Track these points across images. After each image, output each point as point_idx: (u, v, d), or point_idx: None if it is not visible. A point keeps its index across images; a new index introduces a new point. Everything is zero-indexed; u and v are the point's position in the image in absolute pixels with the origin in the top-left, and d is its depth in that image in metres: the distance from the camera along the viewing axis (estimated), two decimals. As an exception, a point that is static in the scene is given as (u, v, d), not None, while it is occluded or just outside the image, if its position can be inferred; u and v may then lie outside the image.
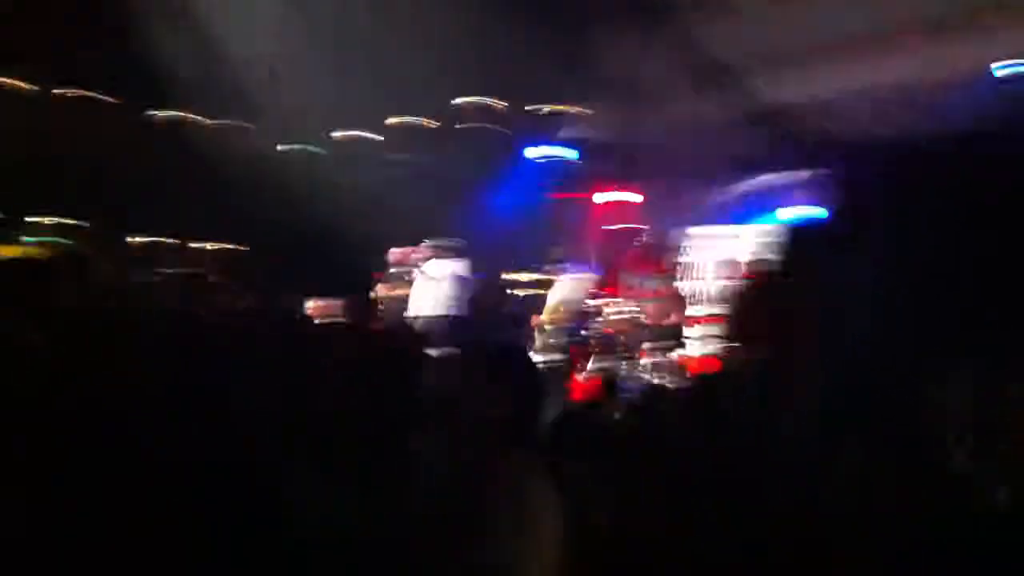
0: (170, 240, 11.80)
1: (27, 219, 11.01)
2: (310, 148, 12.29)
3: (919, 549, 2.41)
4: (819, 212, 10.11)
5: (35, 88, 11.60)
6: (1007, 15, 8.72)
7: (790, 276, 9.23)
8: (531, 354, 8.82)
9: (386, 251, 10.45)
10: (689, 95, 11.34)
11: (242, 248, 11.90)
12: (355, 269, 10.91)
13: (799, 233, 10.06)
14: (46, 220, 11.48)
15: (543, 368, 8.16)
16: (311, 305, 9.16)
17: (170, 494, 2.53)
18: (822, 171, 10.32)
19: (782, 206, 10.50)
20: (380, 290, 10.25)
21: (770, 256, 9.61)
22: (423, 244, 10.23)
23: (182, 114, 12.06)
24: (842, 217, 9.65)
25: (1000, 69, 8.81)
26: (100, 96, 11.81)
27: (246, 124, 11.95)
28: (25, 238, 10.44)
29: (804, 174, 10.62)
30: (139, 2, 10.90)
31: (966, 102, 9.16)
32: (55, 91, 11.50)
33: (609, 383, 8.04)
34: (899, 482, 2.63)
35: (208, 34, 11.09)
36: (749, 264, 9.49)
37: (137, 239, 11.71)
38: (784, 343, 8.23)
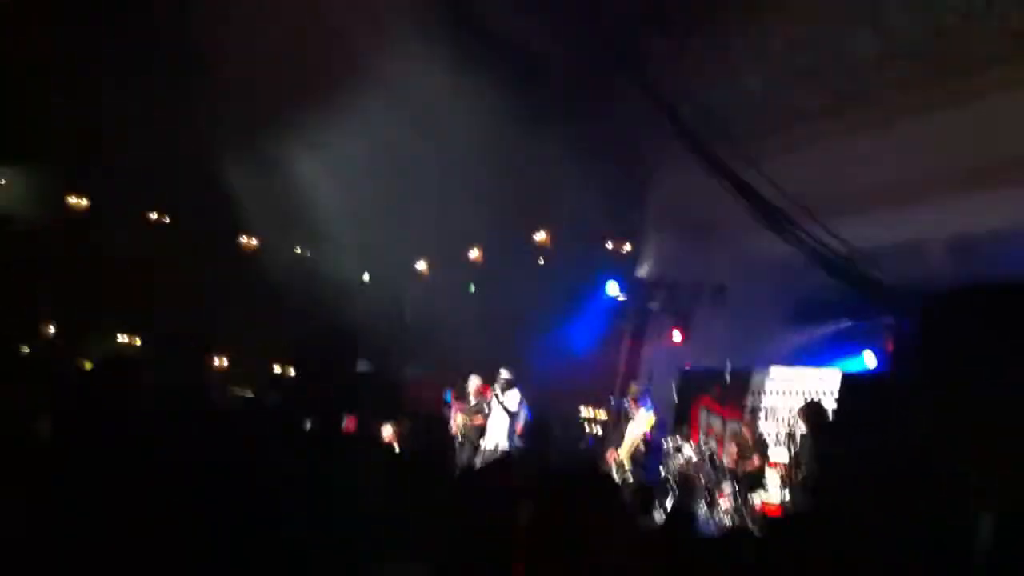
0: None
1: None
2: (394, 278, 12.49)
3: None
4: (893, 358, 10.01)
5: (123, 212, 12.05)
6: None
7: (867, 423, 9.14)
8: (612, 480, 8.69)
9: (466, 380, 10.45)
10: (763, 236, 11.40)
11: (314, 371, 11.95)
12: (428, 399, 10.94)
13: (876, 379, 10.02)
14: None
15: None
16: (388, 431, 9.17)
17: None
18: (896, 318, 10.24)
19: (860, 351, 10.38)
20: (458, 419, 10.22)
21: (848, 401, 9.57)
22: (501, 375, 10.22)
23: (271, 243, 12.41)
24: (915, 364, 9.60)
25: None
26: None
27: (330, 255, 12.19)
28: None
29: (881, 320, 10.54)
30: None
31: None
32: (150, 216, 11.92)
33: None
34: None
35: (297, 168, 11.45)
36: (829, 409, 9.38)
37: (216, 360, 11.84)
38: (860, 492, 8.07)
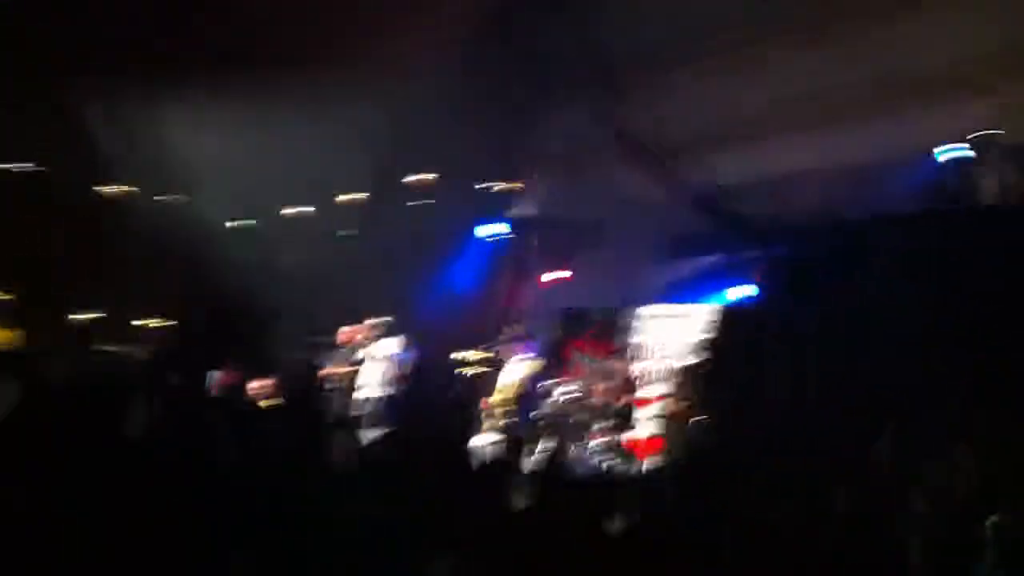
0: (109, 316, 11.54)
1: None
2: (257, 223, 12.15)
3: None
4: (763, 292, 10.21)
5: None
6: (950, 97, 8.88)
7: (741, 354, 9.32)
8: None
9: (334, 329, 10.29)
10: (635, 173, 11.44)
11: (184, 323, 11.65)
12: (298, 346, 10.78)
13: (745, 314, 10.22)
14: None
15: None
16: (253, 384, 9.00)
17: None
18: (766, 251, 10.43)
19: (729, 286, 10.55)
20: (327, 368, 10.09)
21: (718, 336, 9.75)
22: (370, 322, 10.10)
23: (127, 189, 11.89)
24: (785, 297, 9.83)
25: (943, 153, 8.98)
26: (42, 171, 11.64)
27: (190, 199, 11.78)
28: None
29: (750, 254, 10.70)
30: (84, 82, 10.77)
31: (907, 184, 9.36)
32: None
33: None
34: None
35: (150, 111, 10.99)
36: (698, 345, 9.53)
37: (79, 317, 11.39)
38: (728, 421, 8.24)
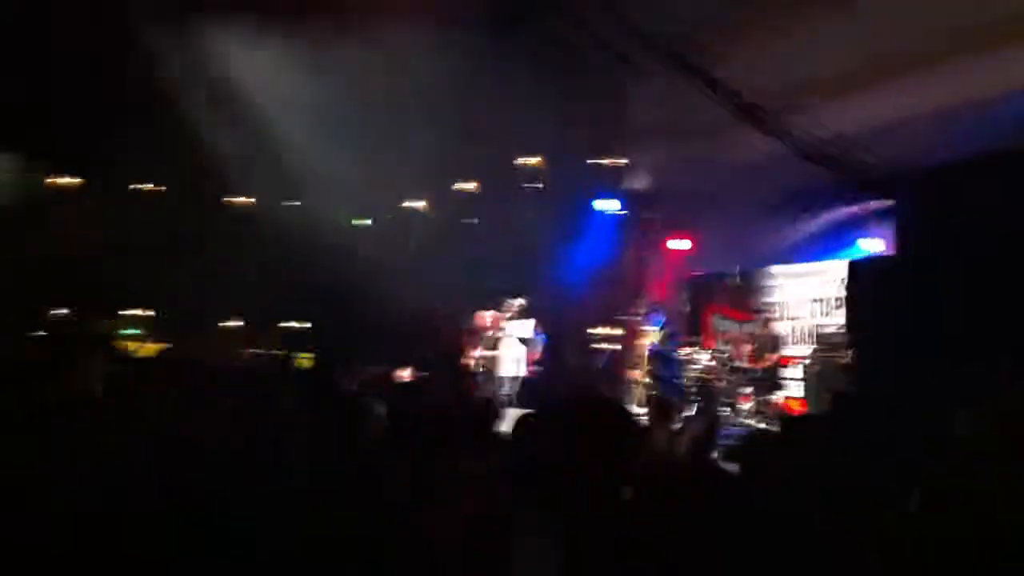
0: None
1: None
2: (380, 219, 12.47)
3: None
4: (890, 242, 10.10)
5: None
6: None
7: (883, 305, 9.21)
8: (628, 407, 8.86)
9: (473, 316, 10.52)
10: (738, 136, 11.40)
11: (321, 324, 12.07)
12: (440, 337, 11.03)
13: (879, 263, 10.13)
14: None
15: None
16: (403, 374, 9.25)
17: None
18: (886, 201, 10.29)
19: (858, 238, 10.46)
20: (471, 354, 10.33)
21: (861, 287, 9.67)
22: (512, 304, 10.31)
23: (249, 199, 12.36)
24: (911, 245, 9.70)
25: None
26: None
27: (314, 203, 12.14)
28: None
29: (872, 205, 10.59)
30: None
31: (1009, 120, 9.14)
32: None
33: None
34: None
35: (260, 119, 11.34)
36: (838, 299, 9.50)
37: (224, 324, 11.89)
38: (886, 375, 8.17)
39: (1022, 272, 8.00)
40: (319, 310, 12.15)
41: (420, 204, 12.63)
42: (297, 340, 11.53)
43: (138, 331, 11.83)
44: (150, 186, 12.57)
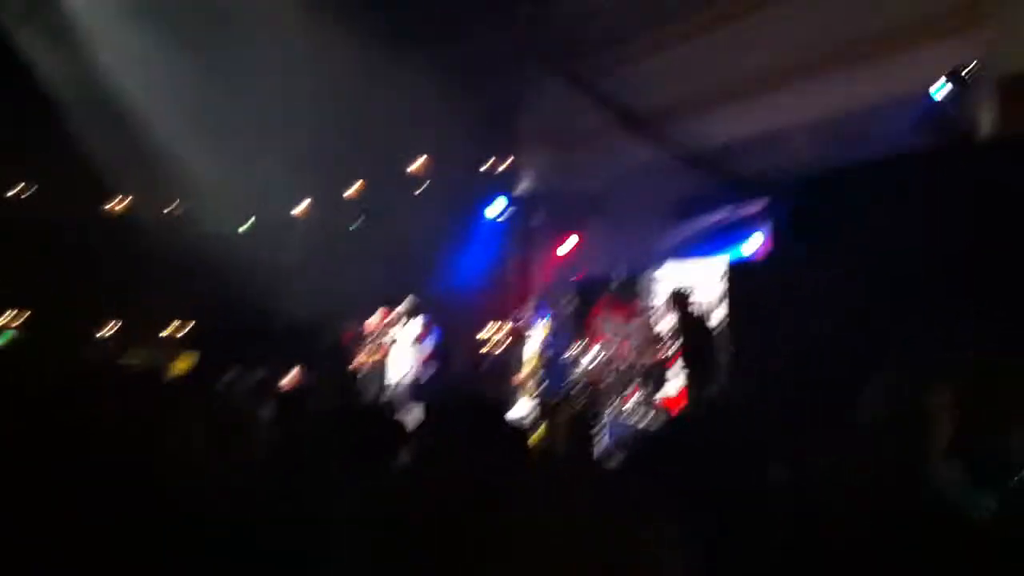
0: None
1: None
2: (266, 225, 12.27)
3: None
4: (769, 243, 10.38)
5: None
6: (932, 35, 9.04)
7: (757, 305, 9.48)
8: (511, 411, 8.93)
9: (359, 319, 10.44)
10: (629, 142, 11.61)
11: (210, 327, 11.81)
12: (325, 340, 10.91)
13: (752, 266, 10.41)
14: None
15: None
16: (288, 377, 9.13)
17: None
18: (767, 203, 10.58)
19: (737, 241, 10.73)
20: (358, 358, 10.24)
21: (737, 285, 9.91)
22: (403, 305, 10.27)
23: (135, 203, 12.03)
24: (792, 246, 10.00)
25: (938, 91, 9.14)
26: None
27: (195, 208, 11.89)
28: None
29: (753, 208, 10.87)
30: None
31: (900, 126, 9.52)
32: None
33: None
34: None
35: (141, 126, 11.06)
36: (713, 298, 9.70)
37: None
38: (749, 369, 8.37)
39: (888, 278, 8.33)
40: (202, 315, 11.90)
41: (305, 208, 12.48)
42: (177, 344, 11.29)
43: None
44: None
